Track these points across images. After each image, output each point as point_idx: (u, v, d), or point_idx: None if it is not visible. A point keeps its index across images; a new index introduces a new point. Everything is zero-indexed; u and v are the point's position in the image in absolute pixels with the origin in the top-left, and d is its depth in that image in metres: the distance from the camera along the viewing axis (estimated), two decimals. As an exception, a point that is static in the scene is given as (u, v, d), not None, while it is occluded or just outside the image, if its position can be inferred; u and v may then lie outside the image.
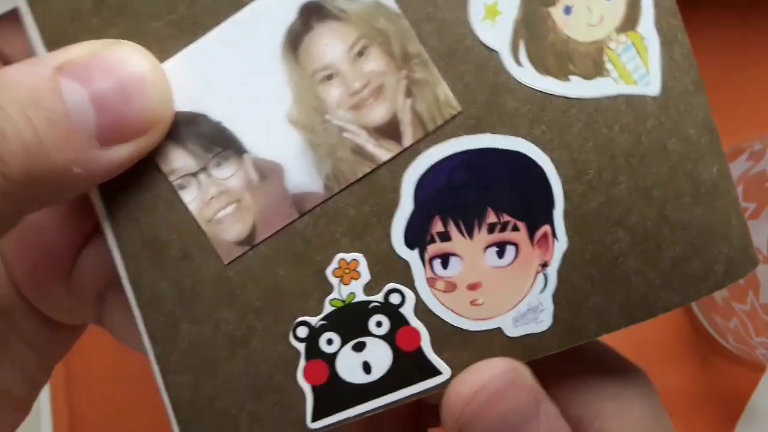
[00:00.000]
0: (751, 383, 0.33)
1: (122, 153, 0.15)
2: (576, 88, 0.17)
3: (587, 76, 0.17)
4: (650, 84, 0.17)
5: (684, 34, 0.17)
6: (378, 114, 0.16)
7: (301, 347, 0.17)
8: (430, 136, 0.16)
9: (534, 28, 0.16)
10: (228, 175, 0.16)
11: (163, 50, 0.16)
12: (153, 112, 0.15)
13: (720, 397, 0.36)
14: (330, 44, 0.16)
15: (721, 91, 0.34)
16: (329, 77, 0.16)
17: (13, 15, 0.18)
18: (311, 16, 0.16)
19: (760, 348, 0.32)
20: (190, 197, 0.16)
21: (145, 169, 0.16)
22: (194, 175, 0.16)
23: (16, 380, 0.19)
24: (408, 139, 0.16)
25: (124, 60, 0.15)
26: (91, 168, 0.15)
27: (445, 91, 0.16)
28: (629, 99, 0.17)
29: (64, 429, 0.34)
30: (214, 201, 0.16)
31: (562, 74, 0.17)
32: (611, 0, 0.17)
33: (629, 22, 0.17)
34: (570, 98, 0.17)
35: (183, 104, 0.16)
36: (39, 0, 0.15)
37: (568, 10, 0.17)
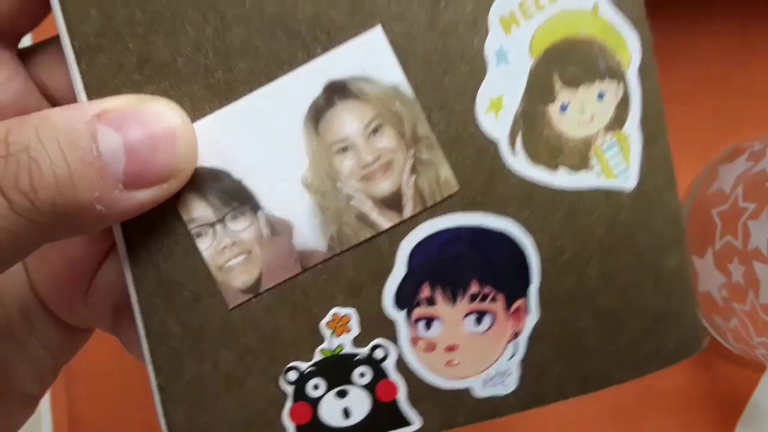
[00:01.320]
0: (751, 383, 0.34)
1: (143, 197, 0.16)
2: (562, 179, 0.18)
3: (574, 169, 0.19)
4: (628, 179, 0.19)
5: (665, 134, 0.20)
6: (384, 186, 0.18)
7: (290, 389, 0.18)
8: (428, 211, 0.18)
9: (532, 123, 0.18)
10: (242, 228, 0.18)
11: (196, 110, 0.17)
12: (177, 164, 0.16)
13: (720, 397, 0.36)
14: (349, 120, 0.17)
15: (721, 91, 0.36)
16: (344, 149, 0.17)
17: (52, 41, 0.19)
18: (335, 93, 0.17)
19: (760, 348, 0.32)
20: (205, 245, 0.18)
21: (167, 216, 0.17)
22: (211, 225, 0.18)
23: (30, 379, 0.20)
24: (408, 212, 0.18)
25: (157, 114, 0.16)
26: (114, 207, 0.16)
27: (446, 171, 0.18)
28: (608, 192, 0.19)
29: (64, 429, 0.34)
30: (226, 250, 0.18)
31: (552, 166, 0.18)
32: (603, 101, 0.19)
33: (617, 121, 0.19)
34: (556, 188, 0.18)
35: (209, 160, 0.17)
36: (85, 52, 0.17)
37: (563, 108, 0.18)
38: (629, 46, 0.19)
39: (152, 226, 0.17)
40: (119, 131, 0.15)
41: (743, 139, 0.36)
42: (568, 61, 0.18)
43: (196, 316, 0.18)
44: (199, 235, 0.17)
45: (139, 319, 0.18)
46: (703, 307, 0.35)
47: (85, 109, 0.16)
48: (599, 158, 0.19)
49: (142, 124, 0.16)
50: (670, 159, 0.20)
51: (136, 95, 0.17)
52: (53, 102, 0.18)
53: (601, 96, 0.19)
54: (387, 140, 0.18)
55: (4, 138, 0.15)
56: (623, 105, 0.19)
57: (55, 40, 0.18)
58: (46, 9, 0.17)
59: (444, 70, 0.17)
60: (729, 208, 0.32)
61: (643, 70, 0.19)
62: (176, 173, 0.16)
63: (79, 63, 0.17)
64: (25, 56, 0.18)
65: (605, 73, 0.19)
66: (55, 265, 0.20)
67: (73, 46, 0.17)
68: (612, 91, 0.19)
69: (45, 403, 0.33)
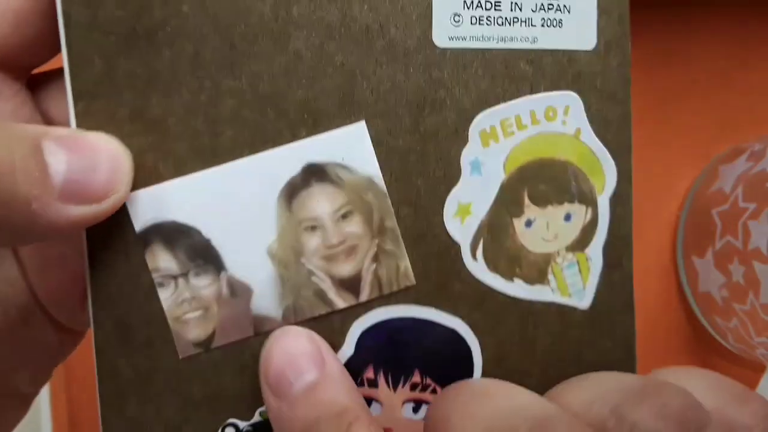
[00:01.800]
0: (751, 383, 0.34)
1: (76, 212, 0.16)
2: (517, 289, 0.19)
3: (529, 281, 0.19)
4: (583, 299, 0.20)
5: (629, 259, 0.20)
6: (345, 269, 0.18)
7: (225, 444, 0.19)
8: (383, 298, 0.19)
9: (495, 233, 0.19)
10: (203, 285, 0.18)
11: (179, 167, 0.18)
12: (113, 187, 0.17)
13: None
14: (321, 202, 0.18)
15: (721, 92, 0.37)
16: (313, 228, 0.18)
17: (60, 73, 0.20)
18: (312, 175, 0.18)
19: (760, 348, 0.32)
20: (165, 295, 0.18)
21: (133, 261, 0.18)
22: (174, 277, 0.18)
23: (27, 380, 0.21)
24: (365, 296, 0.19)
25: (99, 140, 0.17)
26: (47, 213, 0.16)
27: (406, 264, 0.19)
28: (561, 308, 0.19)
29: (64, 429, 0.34)
30: (185, 303, 0.18)
31: (509, 275, 0.19)
32: (570, 222, 0.19)
33: (580, 243, 0.20)
34: (509, 296, 0.19)
35: (182, 216, 0.18)
36: (84, 96, 0.18)
37: (529, 223, 0.19)
38: (605, 173, 0.19)
39: (117, 267, 0.18)
40: (62, 147, 0.16)
41: (743, 139, 0.37)
42: (539, 180, 0.19)
43: (146, 360, 0.19)
44: (161, 285, 0.18)
45: (94, 353, 0.19)
46: (703, 307, 0.36)
47: (35, 126, 0.17)
48: (556, 275, 0.19)
49: (84, 146, 0.17)
50: (629, 283, 0.20)
51: (75, 129, 0.18)
52: None
53: (568, 217, 0.19)
54: (355, 226, 0.18)
55: None
56: (589, 228, 0.19)
57: (62, 72, 0.19)
58: (59, 46, 0.18)
59: (419, 171, 0.18)
60: (729, 208, 0.33)
61: (616, 198, 0.20)
62: (110, 195, 0.17)
63: (76, 105, 0.18)
64: (32, 85, 0.19)
65: (575, 196, 0.19)
66: (54, 273, 0.20)
67: (73, 88, 0.18)
68: (580, 214, 0.19)
69: (45, 403, 0.33)
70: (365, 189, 0.18)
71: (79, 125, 0.18)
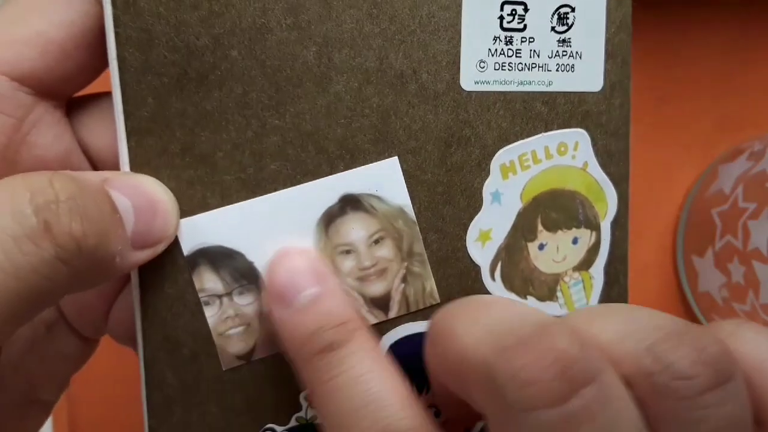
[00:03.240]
0: None
1: (142, 256, 0.18)
2: (530, 305, 0.21)
3: (541, 299, 0.21)
4: (585, 314, 0.22)
5: (626, 277, 0.22)
6: (376, 288, 0.20)
7: (264, 447, 0.21)
8: (410, 315, 0.21)
9: (512, 256, 0.21)
10: (246, 303, 0.20)
11: (225, 197, 0.19)
12: (168, 230, 0.19)
13: None
14: (356, 229, 0.20)
15: (721, 92, 0.37)
16: (348, 252, 0.20)
17: (96, 101, 0.21)
18: (348, 204, 0.20)
19: None
20: (211, 313, 0.20)
21: (181, 282, 0.20)
22: (219, 296, 0.20)
23: (50, 389, 0.22)
24: (393, 313, 0.20)
25: (154, 186, 0.19)
26: (124, 263, 0.18)
27: (432, 285, 0.20)
28: (566, 322, 0.22)
29: (64, 429, 0.34)
30: (229, 320, 0.20)
31: (523, 293, 0.21)
32: (577, 245, 0.21)
33: (585, 263, 0.22)
34: (523, 313, 0.21)
35: (227, 241, 0.20)
36: (136, 132, 0.19)
37: (542, 246, 0.21)
38: (608, 201, 0.22)
39: (166, 288, 0.20)
40: (126, 196, 0.18)
41: (743, 139, 0.36)
42: (552, 209, 0.21)
43: (191, 372, 0.20)
44: (207, 303, 0.20)
45: (141, 365, 0.20)
46: (703, 307, 0.36)
47: (94, 174, 0.18)
48: (564, 293, 0.22)
49: (144, 194, 0.18)
50: (626, 297, 0.22)
51: (126, 172, 0.19)
52: (92, 161, 0.20)
53: (575, 241, 0.21)
54: (386, 251, 0.20)
55: (49, 183, 0.16)
56: (593, 250, 0.22)
57: (100, 100, 0.20)
58: (97, 73, 0.20)
59: (445, 201, 0.20)
60: (729, 208, 0.33)
61: (617, 222, 0.22)
62: (165, 238, 0.19)
63: (128, 140, 0.19)
64: (70, 112, 0.20)
65: (582, 222, 0.21)
66: (79, 297, 0.22)
67: (126, 126, 0.19)
68: (585, 238, 0.21)
69: None
70: (396, 217, 0.20)
71: (131, 159, 0.19)
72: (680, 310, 0.38)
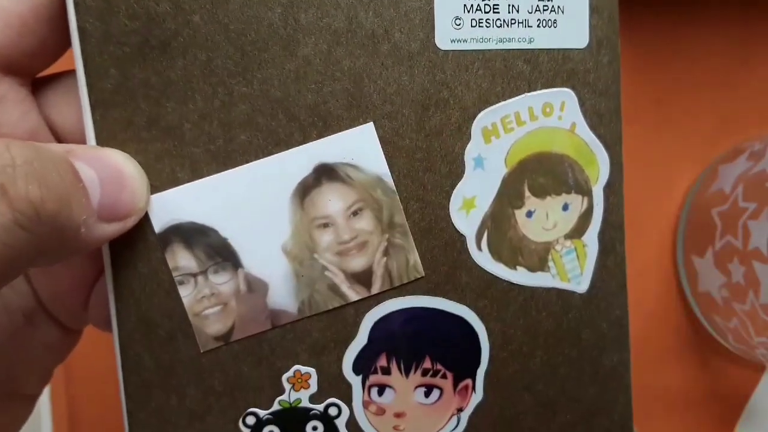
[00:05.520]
0: (751, 383, 0.34)
1: (110, 230, 0.18)
2: (520, 276, 0.20)
3: (531, 269, 0.20)
4: (581, 283, 0.21)
5: (622, 244, 0.21)
6: (357, 263, 0.19)
7: (246, 432, 0.20)
8: (394, 290, 0.20)
9: (498, 224, 0.20)
10: (222, 281, 0.19)
11: (195, 171, 0.19)
12: (137, 204, 0.18)
13: (720, 397, 0.37)
14: (332, 200, 0.19)
15: (721, 91, 0.37)
16: (325, 225, 0.19)
17: (62, 79, 0.20)
18: (323, 175, 0.19)
19: (760, 348, 0.33)
20: (186, 292, 0.19)
21: (154, 261, 0.19)
22: (194, 275, 0.19)
23: (32, 380, 0.22)
24: (376, 288, 0.20)
25: (121, 158, 0.18)
26: (90, 235, 0.17)
27: (415, 258, 0.20)
28: (560, 292, 0.21)
29: (64, 429, 0.34)
30: (205, 300, 0.19)
31: (512, 264, 0.20)
32: (567, 212, 0.20)
33: (578, 231, 0.21)
34: (513, 283, 0.20)
35: (200, 217, 0.19)
36: (101, 105, 0.18)
37: (530, 214, 0.20)
38: (599, 165, 0.21)
39: (139, 267, 0.19)
40: (93, 168, 0.17)
41: (743, 138, 0.37)
42: (539, 173, 0.20)
43: (168, 353, 0.19)
44: (181, 282, 0.19)
45: (117, 348, 0.19)
46: (703, 307, 0.35)
47: (58, 145, 0.17)
48: (556, 262, 0.20)
49: (110, 165, 0.18)
50: (623, 266, 0.21)
51: (92, 145, 0.18)
52: (59, 139, 0.20)
53: (566, 207, 0.20)
54: (365, 223, 0.19)
55: (6, 149, 0.15)
56: (586, 217, 0.21)
57: (65, 77, 0.20)
58: (63, 49, 0.19)
59: (425, 168, 0.19)
60: (729, 208, 0.33)
61: (610, 187, 0.21)
62: (135, 211, 0.18)
63: (93, 113, 0.18)
64: (36, 91, 0.20)
65: (572, 187, 0.20)
66: (58, 277, 0.21)
67: (90, 98, 0.18)
68: (577, 203, 0.20)
69: (45, 403, 0.33)
70: (375, 187, 0.19)
71: (97, 134, 0.18)
72: (680, 310, 0.38)
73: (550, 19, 0.19)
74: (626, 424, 0.22)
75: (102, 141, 0.18)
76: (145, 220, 0.19)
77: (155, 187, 0.19)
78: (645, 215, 0.37)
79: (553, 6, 0.19)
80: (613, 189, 0.21)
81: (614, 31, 0.20)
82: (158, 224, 0.19)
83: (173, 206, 0.19)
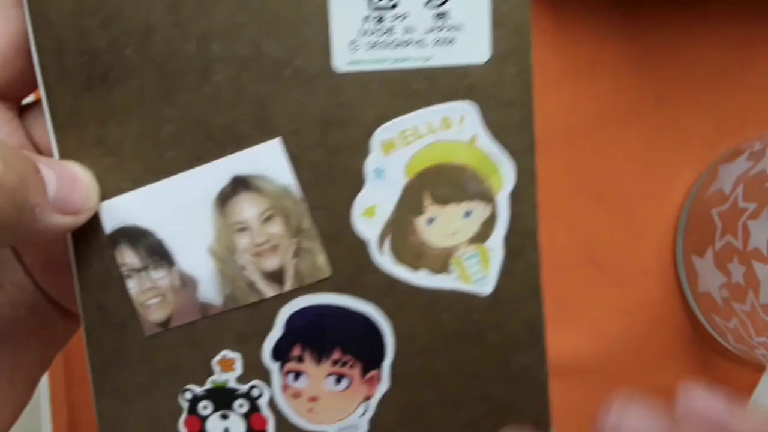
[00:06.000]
0: (751, 383, 0.34)
1: (62, 222, 0.21)
2: (422, 278, 0.22)
3: (433, 272, 0.22)
4: (485, 286, 0.22)
5: (534, 250, 0.22)
6: (271, 263, 0.22)
7: (185, 405, 0.23)
8: (305, 288, 0.22)
9: (399, 230, 0.22)
10: (160, 276, 0.22)
11: (135, 181, 0.22)
12: (87, 203, 0.21)
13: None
14: (247, 208, 0.22)
15: (721, 91, 0.37)
16: (242, 229, 0.22)
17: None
18: (239, 185, 0.21)
19: (760, 348, 0.33)
20: (132, 285, 0.23)
21: (106, 258, 0.22)
22: (138, 270, 0.22)
23: (36, 366, 0.25)
24: (288, 286, 0.22)
25: (76, 167, 0.21)
26: (45, 220, 0.20)
27: (322, 260, 0.22)
28: (463, 294, 0.22)
29: (64, 429, 0.36)
30: (147, 292, 0.23)
31: (413, 267, 0.22)
32: (469, 218, 0.22)
33: (480, 237, 0.22)
34: (415, 285, 0.22)
35: (141, 221, 0.22)
36: (60, 127, 0.22)
37: (431, 221, 0.22)
38: (502, 174, 0.22)
39: (95, 262, 0.22)
40: (52, 169, 0.20)
41: (744, 138, 0.37)
42: (439, 183, 0.21)
43: (122, 337, 0.23)
44: (128, 276, 0.22)
45: (83, 330, 0.23)
46: (703, 307, 0.36)
47: (29, 153, 0.21)
48: (458, 266, 0.22)
49: (66, 170, 0.21)
50: (536, 271, 0.22)
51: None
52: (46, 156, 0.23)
53: (467, 214, 0.22)
54: (277, 228, 0.22)
55: None
56: (489, 223, 0.22)
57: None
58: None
59: (329, 180, 0.21)
60: (729, 209, 0.33)
61: (516, 195, 0.22)
62: (84, 211, 0.21)
63: (55, 134, 0.22)
64: (22, 114, 0.23)
65: (474, 195, 0.22)
66: (57, 266, 0.24)
67: (52, 122, 0.22)
68: (479, 210, 0.22)
69: (45, 403, 0.34)
70: (283, 196, 0.21)
71: (59, 151, 0.22)
72: (680, 310, 0.37)
73: (447, 38, 0.21)
74: (542, 423, 0.23)
75: (63, 157, 0.22)
76: (98, 222, 0.22)
77: (105, 196, 0.22)
78: (645, 215, 0.37)
79: (450, 24, 0.21)
80: (520, 197, 0.22)
81: (523, 42, 0.21)
82: (108, 226, 0.22)
83: (119, 211, 0.22)
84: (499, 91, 0.21)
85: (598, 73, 0.38)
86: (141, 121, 0.21)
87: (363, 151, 0.21)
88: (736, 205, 0.32)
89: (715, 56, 0.37)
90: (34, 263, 0.24)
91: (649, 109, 0.37)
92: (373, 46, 0.21)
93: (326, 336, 0.22)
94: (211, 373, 0.23)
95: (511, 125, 0.21)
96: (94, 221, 0.22)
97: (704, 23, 0.37)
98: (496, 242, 0.22)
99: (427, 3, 0.20)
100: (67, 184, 0.21)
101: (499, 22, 0.21)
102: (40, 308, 0.25)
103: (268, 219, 0.22)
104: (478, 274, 0.22)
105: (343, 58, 0.21)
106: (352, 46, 0.21)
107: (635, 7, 0.37)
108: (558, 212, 0.39)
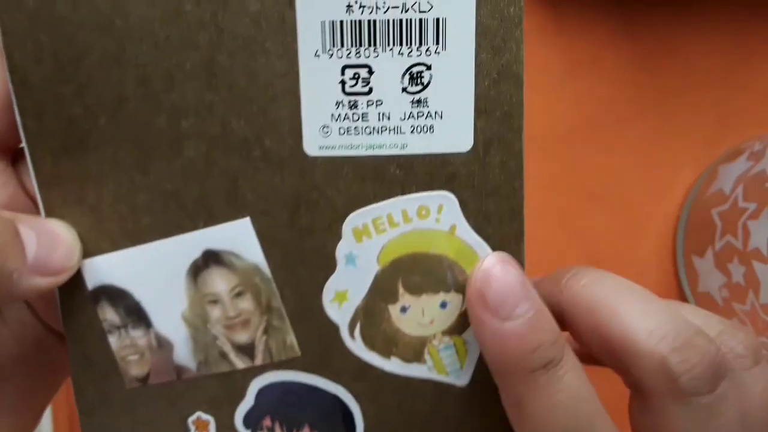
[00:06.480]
0: None
1: (40, 283, 0.21)
2: (394, 366, 0.21)
3: (406, 360, 0.21)
4: (460, 378, 0.21)
5: None
6: (242, 337, 0.22)
7: (164, 457, 0.24)
8: (275, 363, 0.22)
9: (371, 317, 0.21)
10: (138, 335, 0.23)
11: (114, 243, 0.22)
12: (67, 263, 0.21)
13: None
14: (219, 281, 0.21)
15: (721, 91, 0.37)
16: (214, 301, 0.21)
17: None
18: (210, 259, 0.21)
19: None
20: (113, 339, 0.23)
21: (89, 313, 0.23)
22: (118, 327, 0.23)
23: (41, 396, 0.26)
24: (259, 361, 0.22)
25: (58, 226, 0.21)
26: (22, 283, 0.20)
27: (292, 339, 0.21)
28: (437, 384, 0.21)
29: (64, 429, 0.37)
30: (127, 348, 0.23)
31: (386, 354, 0.21)
32: (446, 309, 0.21)
33: (457, 327, 0.21)
34: (387, 371, 0.21)
35: (118, 282, 0.22)
36: (45, 185, 0.22)
37: (404, 309, 0.21)
38: (484, 265, 0.20)
39: (79, 315, 0.23)
40: (33, 230, 0.21)
41: (744, 138, 0.37)
42: (414, 272, 0.20)
43: (105, 386, 0.23)
44: (109, 331, 0.23)
45: (71, 376, 0.24)
46: (703, 308, 0.35)
47: (9, 213, 0.21)
48: (433, 356, 0.21)
49: (47, 231, 0.21)
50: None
51: (37, 216, 0.22)
52: (35, 203, 0.24)
53: (444, 305, 0.20)
54: (247, 303, 0.21)
55: None
56: (466, 315, 0.21)
57: None
58: None
59: (298, 261, 0.20)
60: (729, 209, 0.33)
61: (499, 286, 0.20)
62: (66, 270, 0.21)
63: (40, 191, 0.22)
64: (16, 162, 0.24)
65: (451, 286, 0.20)
66: (52, 291, 0.25)
67: (36, 180, 0.22)
68: (456, 302, 0.20)
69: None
70: (253, 274, 0.21)
71: (44, 206, 0.22)
72: None
73: (425, 125, 0.19)
74: None
75: (48, 212, 0.22)
76: (81, 278, 0.23)
77: (86, 253, 0.22)
78: (645, 215, 0.38)
79: (429, 112, 0.19)
80: None
81: (511, 129, 0.19)
82: (90, 283, 0.22)
83: (99, 271, 0.22)
84: (483, 181, 0.19)
85: (598, 73, 0.37)
86: (117, 187, 0.21)
87: (334, 234, 0.20)
88: (736, 205, 0.32)
89: (715, 56, 0.37)
90: (39, 305, 0.25)
91: (649, 109, 0.37)
92: (347, 131, 0.19)
93: (296, 412, 0.22)
94: (188, 430, 0.23)
95: (494, 215, 0.20)
96: (78, 277, 0.22)
97: (704, 23, 0.36)
98: (472, 334, 0.21)
99: (405, 89, 0.19)
100: (48, 244, 0.21)
101: (482, 110, 0.19)
102: (45, 341, 0.26)
103: (238, 294, 0.21)
104: (454, 365, 0.21)
105: (314, 142, 0.19)
106: (323, 131, 0.19)
107: (635, 7, 0.36)
108: (558, 212, 0.38)
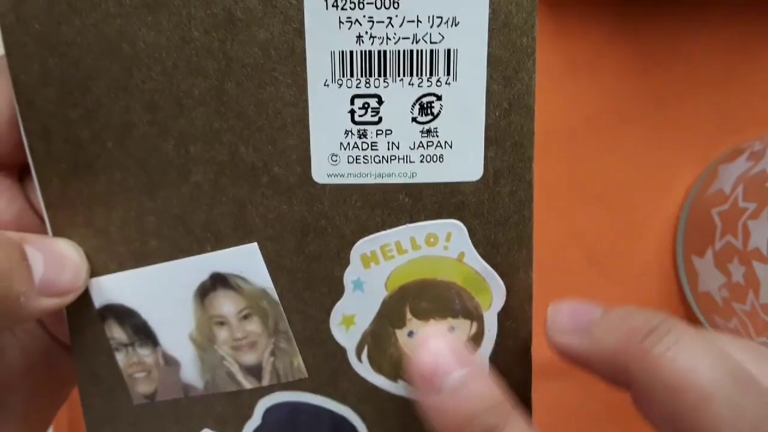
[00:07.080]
0: None
1: (47, 303, 0.21)
2: (401, 388, 0.21)
3: (413, 383, 0.21)
4: (466, 401, 0.21)
5: (526, 370, 0.21)
6: (249, 358, 0.22)
7: (171, 473, 0.24)
8: (282, 384, 0.22)
9: (378, 341, 0.21)
10: (145, 354, 0.23)
11: (121, 264, 0.22)
12: (74, 284, 0.21)
13: None
14: (226, 304, 0.21)
15: (721, 91, 0.37)
16: (221, 323, 0.22)
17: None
18: (218, 281, 0.21)
19: None
20: (120, 357, 0.23)
21: (98, 331, 0.23)
22: (125, 345, 0.23)
23: (49, 406, 0.27)
24: (266, 381, 0.22)
25: (66, 247, 0.21)
26: (28, 306, 0.20)
27: (299, 361, 0.21)
28: (443, 407, 0.21)
29: (64, 429, 0.36)
30: (134, 365, 0.23)
31: (393, 377, 0.21)
32: (455, 332, 0.21)
33: (464, 352, 0.21)
34: (393, 393, 0.21)
35: (126, 301, 0.22)
36: (52, 206, 0.22)
37: (411, 334, 0.21)
38: (492, 292, 0.20)
39: (87, 333, 0.23)
40: (40, 252, 0.21)
41: (744, 138, 0.37)
42: (421, 298, 0.20)
43: (112, 402, 0.24)
44: (116, 349, 0.23)
45: (79, 391, 0.24)
46: (703, 307, 0.36)
47: (16, 234, 0.21)
48: (439, 380, 0.21)
49: (55, 252, 0.21)
50: (525, 387, 0.21)
51: (45, 235, 0.22)
52: (42, 220, 0.24)
53: (451, 330, 0.21)
54: (254, 326, 0.21)
55: None
56: (475, 340, 0.21)
57: None
58: None
59: (306, 286, 0.21)
60: (729, 209, 0.33)
61: (506, 313, 0.20)
62: (73, 291, 0.21)
63: (47, 211, 0.22)
64: (23, 179, 0.23)
65: (459, 312, 0.20)
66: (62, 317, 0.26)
67: (43, 200, 0.22)
68: (464, 327, 0.21)
69: None
70: (261, 297, 0.21)
71: (52, 226, 0.22)
72: (680, 310, 0.38)
73: (435, 155, 0.19)
74: None
75: (56, 233, 0.22)
76: (89, 297, 0.23)
77: (94, 272, 0.22)
78: (645, 215, 0.38)
79: (439, 141, 0.19)
80: (510, 314, 0.21)
81: (521, 159, 0.19)
82: (97, 302, 0.23)
83: (107, 290, 0.22)
84: (492, 210, 0.19)
85: (598, 73, 0.37)
86: (125, 210, 0.21)
87: (342, 261, 0.20)
88: (736, 205, 0.32)
89: (715, 56, 0.37)
90: (47, 317, 0.25)
91: (649, 109, 0.37)
92: (355, 160, 0.19)
93: (303, 431, 0.22)
94: (194, 445, 0.23)
95: (503, 244, 0.20)
96: (85, 295, 0.22)
97: (704, 23, 0.36)
98: (482, 360, 0.21)
99: (414, 119, 0.19)
100: (56, 265, 0.21)
101: (493, 140, 0.19)
102: (52, 353, 0.26)
103: (246, 317, 0.21)
104: (459, 388, 0.21)
105: (323, 170, 0.19)
106: (332, 159, 0.19)
107: (635, 7, 0.36)
108: (558, 212, 0.38)
